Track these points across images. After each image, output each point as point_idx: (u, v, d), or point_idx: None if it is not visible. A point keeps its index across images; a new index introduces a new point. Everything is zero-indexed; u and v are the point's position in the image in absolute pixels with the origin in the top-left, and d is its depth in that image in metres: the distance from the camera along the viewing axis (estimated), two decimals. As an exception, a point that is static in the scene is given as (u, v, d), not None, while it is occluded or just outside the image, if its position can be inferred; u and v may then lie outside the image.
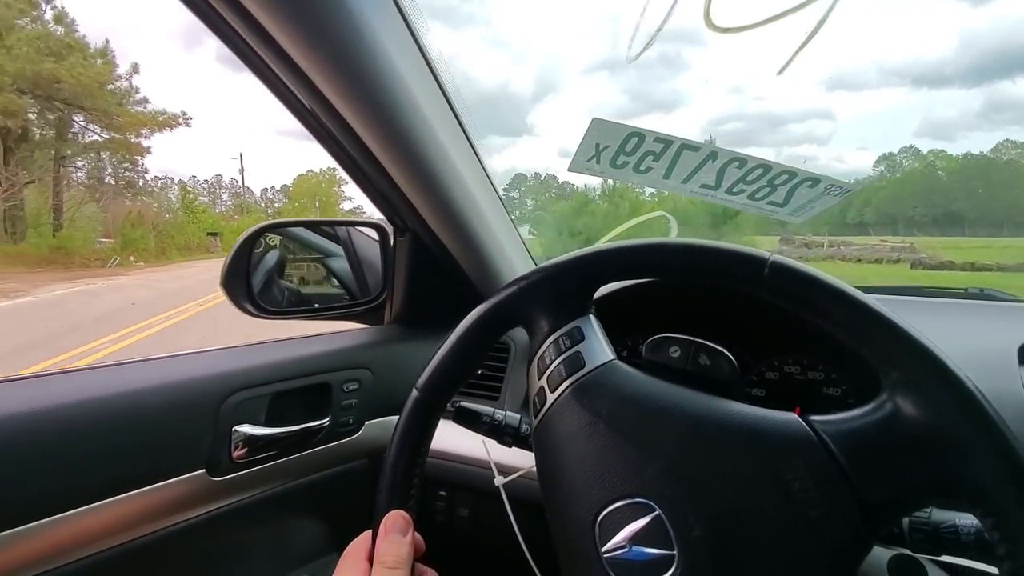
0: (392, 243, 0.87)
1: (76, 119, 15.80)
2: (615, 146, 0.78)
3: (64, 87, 14.38)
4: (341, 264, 1.04)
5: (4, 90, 13.77)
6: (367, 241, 0.99)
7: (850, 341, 0.34)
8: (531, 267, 0.43)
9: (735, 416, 0.36)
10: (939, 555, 0.43)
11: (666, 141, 0.77)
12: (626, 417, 0.38)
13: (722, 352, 0.41)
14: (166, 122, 16.01)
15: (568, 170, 0.89)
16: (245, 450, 0.65)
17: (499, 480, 0.54)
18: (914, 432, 0.31)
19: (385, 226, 0.89)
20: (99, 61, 15.32)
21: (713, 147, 0.76)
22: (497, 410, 0.55)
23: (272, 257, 1.09)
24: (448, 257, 0.82)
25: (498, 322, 0.44)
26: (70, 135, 16.39)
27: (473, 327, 0.43)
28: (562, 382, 0.40)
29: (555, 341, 0.41)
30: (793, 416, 0.35)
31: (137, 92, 16.15)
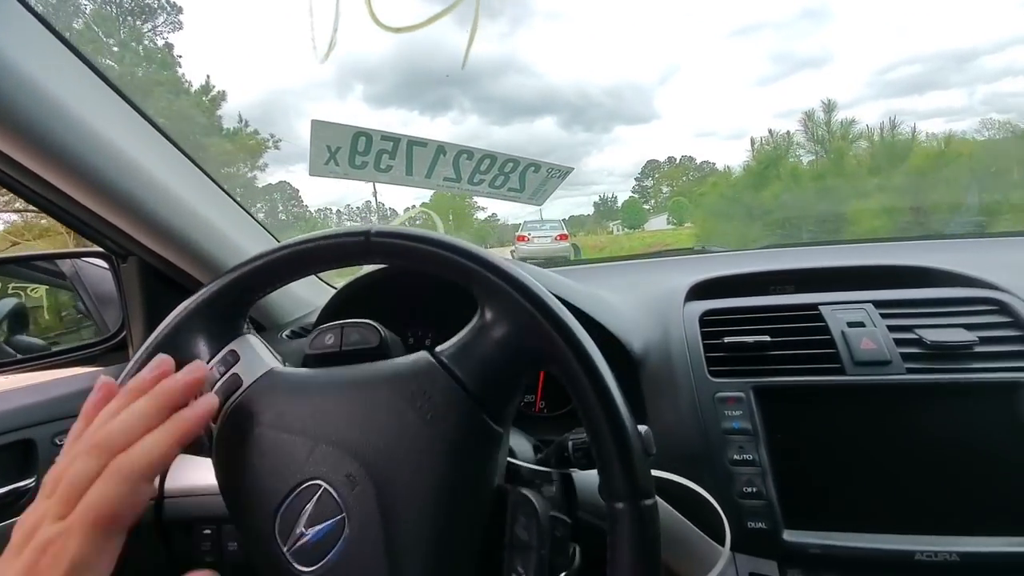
0: (119, 271, 0.78)
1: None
2: (347, 147, 0.78)
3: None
4: (77, 303, 0.91)
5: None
6: (102, 274, 0.88)
7: (446, 275, 0.38)
8: (272, 246, 0.41)
9: (378, 371, 0.39)
10: None
11: (393, 139, 0.80)
12: (292, 414, 0.38)
13: (368, 323, 0.43)
14: (256, 146, 16.97)
15: (309, 175, 0.89)
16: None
17: None
18: (495, 328, 0.36)
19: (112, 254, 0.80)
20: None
21: (439, 142, 0.80)
22: None
23: (5, 305, 0.92)
24: (178, 272, 0.75)
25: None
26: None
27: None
28: (220, 408, 0.39)
29: (212, 370, 0.41)
30: (422, 353, 0.39)
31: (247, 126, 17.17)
